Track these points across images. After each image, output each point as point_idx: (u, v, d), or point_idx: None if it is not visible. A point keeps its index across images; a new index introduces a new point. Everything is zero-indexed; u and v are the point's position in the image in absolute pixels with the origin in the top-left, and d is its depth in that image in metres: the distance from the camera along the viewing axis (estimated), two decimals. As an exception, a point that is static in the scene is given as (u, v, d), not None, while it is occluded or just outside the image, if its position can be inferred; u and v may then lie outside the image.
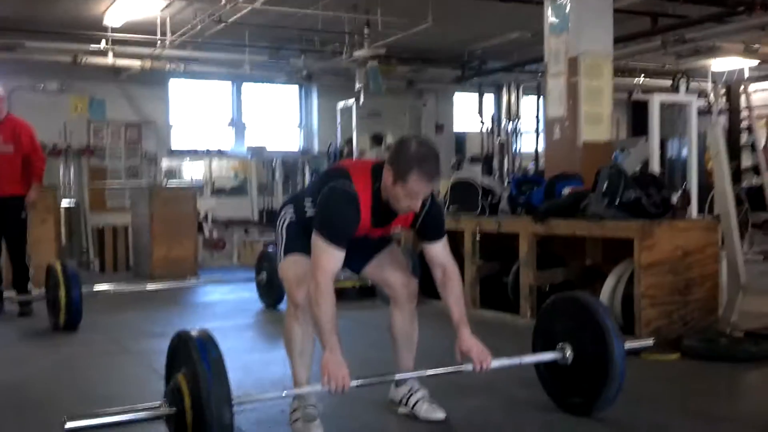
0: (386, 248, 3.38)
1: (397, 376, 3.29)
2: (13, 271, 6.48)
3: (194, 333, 2.73)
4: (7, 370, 4.56)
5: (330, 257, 2.95)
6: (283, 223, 3.25)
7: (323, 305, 2.91)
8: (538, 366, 3.49)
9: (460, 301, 3.19)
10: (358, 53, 9.62)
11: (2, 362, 4.79)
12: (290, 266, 3.18)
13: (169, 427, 2.73)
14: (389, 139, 11.71)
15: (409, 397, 3.41)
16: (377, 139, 11.25)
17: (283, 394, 3.07)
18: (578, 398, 3.35)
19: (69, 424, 2.56)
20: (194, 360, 2.61)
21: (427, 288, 3.95)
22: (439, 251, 3.21)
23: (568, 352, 3.32)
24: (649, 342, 3.93)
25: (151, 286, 7.20)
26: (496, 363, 3.17)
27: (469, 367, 3.12)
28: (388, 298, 3.41)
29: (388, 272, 3.36)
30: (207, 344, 2.67)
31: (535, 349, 3.48)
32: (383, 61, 10.37)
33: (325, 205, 3.00)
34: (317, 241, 2.96)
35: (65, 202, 10.06)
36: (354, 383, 2.94)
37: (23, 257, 6.41)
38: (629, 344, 3.43)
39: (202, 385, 2.57)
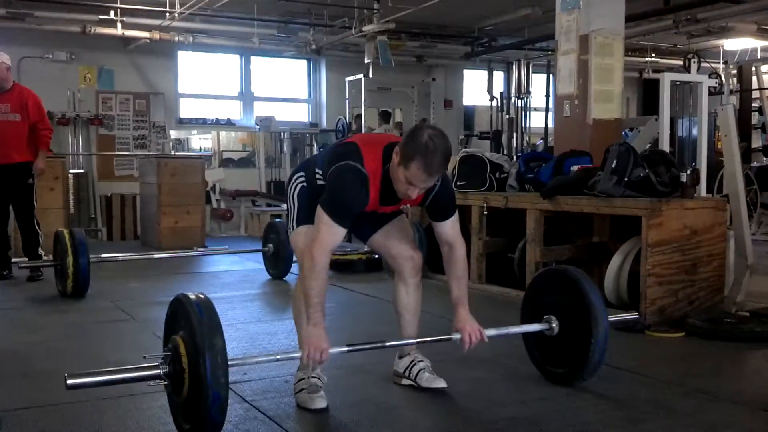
0: (394, 219, 3.38)
1: (388, 344, 3.28)
2: (22, 237, 6.58)
3: (192, 296, 2.79)
4: (15, 336, 4.61)
5: (331, 234, 2.97)
6: (295, 189, 3.24)
7: (315, 280, 2.94)
8: (526, 338, 3.59)
9: (461, 280, 3.23)
10: (368, 28, 9.57)
11: (10, 328, 4.84)
12: (302, 236, 3.18)
13: (167, 386, 2.80)
14: (398, 116, 11.70)
15: (411, 368, 3.43)
16: (385, 116, 11.24)
17: (277, 358, 3.12)
18: (562, 369, 3.45)
19: (70, 381, 2.63)
20: (192, 322, 2.67)
21: (434, 263, 3.97)
22: (447, 230, 3.21)
23: (554, 324, 3.40)
24: (635, 315, 3.94)
25: (158, 255, 7.24)
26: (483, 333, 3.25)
27: (457, 336, 3.19)
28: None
29: (394, 244, 3.36)
30: (204, 307, 2.73)
31: (524, 321, 3.57)
32: (392, 36, 10.33)
33: (334, 183, 3.00)
34: (321, 216, 2.97)
35: (73, 171, 10.08)
36: (339, 350, 3.02)
37: (32, 222, 6.52)
38: (613, 317, 3.52)
39: (198, 345, 2.62)
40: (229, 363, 2.69)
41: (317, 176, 3.15)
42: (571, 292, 3.40)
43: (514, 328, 3.50)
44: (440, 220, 3.19)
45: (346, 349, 3.08)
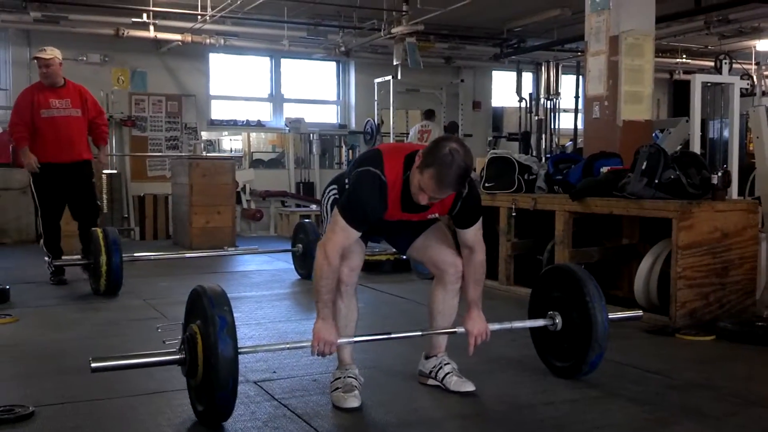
0: (432, 227, 3.40)
1: (394, 335, 3.39)
2: (82, 237, 6.34)
3: (208, 288, 2.96)
4: (49, 333, 4.69)
5: (345, 235, 3.05)
6: (328, 201, 3.33)
7: (327, 279, 3.03)
8: (534, 333, 3.73)
9: (479, 283, 3.32)
10: (396, 30, 9.59)
11: (44, 325, 4.92)
12: None
13: (183, 370, 2.99)
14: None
15: (438, 371, 3.46)
16: (429, 114, 11.30)
17: (287, 347, 3.16)
18: (566, 362, 3.57)
19: (94, 364, 2.82)
20: (206, 311, 2.85)
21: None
22: (470, 236, 3.26)
23: (558, 320, 3.53)
24: (639, 314, 3.97)
25: (189, 255, 7.31)
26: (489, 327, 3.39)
27: (462, 329, 3.31)
28: (424, 273, 3.46)
29: (435, 252, 3.38)
30: (219, 297, 2.90)
31: (532, 317, 3.70)
32: (421, 37, 10.34)
33: (352, 187, 3.08)
34: (337, 218, 3.05)
35: (107, 171, 10.21)
36: (347, 340, 3.20)
37: (95, 223, 6.30)
38: (614, 314, 3.64)
39: (211, 333, 2.80)
40: (240, 350, 2.86)
41: (346, 185, 3.21)
42: (574, 289, 3.51)
43: (518, 323, 3.62)
44: (464, 227, 3.23)
45: (354, 339, 3.25)
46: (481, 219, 3.26)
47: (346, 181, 3.22)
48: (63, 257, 6.36)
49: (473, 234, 3.25)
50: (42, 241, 6.50)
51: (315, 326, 3.05)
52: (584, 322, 3.44)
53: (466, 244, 3.28)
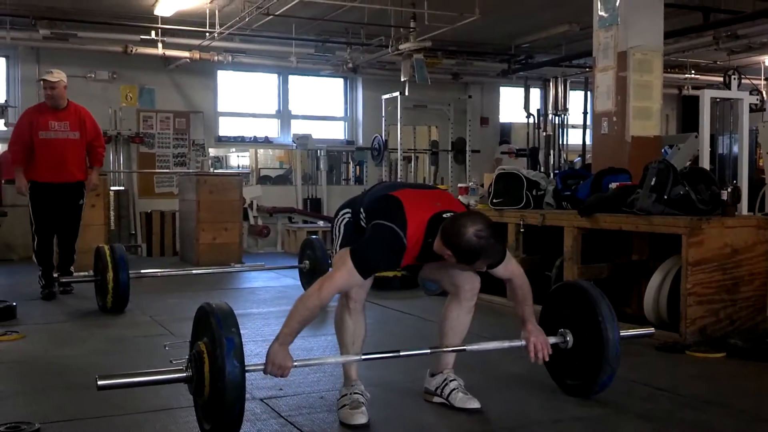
0: None
1: (402, 353, 3.33)
2: (61, 254, 6.63)
3: (215, 305, 2.93)
4: (56, 349, 4.68)
5: (348, 280, 3.00)
6: (342, 221, 3.33)
7: (308, 311, 2.97)
8: None
9: (525, 303, 3.33)
10: (404, 46, 9.61)
11: (51, 341, 4.91)
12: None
13: (190, 388, 2.96)
14: (433, 134, 11.67)
15: (443, 387, 3.43)
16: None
17: (295, 364, 3.12)
18: (577, 381, 3.54)
19: (101, 382, 2.81)
20: (213, 329, 2.82)
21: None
22: (501, 272, 3.23)
23: (569, 337, 3.49)
24: (651, 330, 3.95)
25: (196, 271, 7.31)
26: (495, 344, 3.46)
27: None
28: (432, 289, 3.45)
29: (452, 271, 3.34)
30: (226, 318, 2.87)
31: None
32: (429, 54, 10.36)
33: (371, 240, 3.03)
34: (347, 260, 2.98)
35: (114, 188, 10.25)
36: (355, 358, 3.20)
37: (74, 242, 6.61)
38: (626, 332, 3.60)
39: (218, 351, 2.77)
40: (246, 368, 2.83)
41: (361, 217, 3.22)
42: (585, 307, 3.48)
43: None
44: (491, 268, 3.16)
45: (362, 357, 3.21)
46: (507, 254, 3.21)
47: (362, 212, 3.20)
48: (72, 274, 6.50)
49: (503, 269, 3.20)
50: (34, 255, 6.64)
51: (271, 349, 2.97)
52: (596, 342, 3.39)
53: (502, 278, 3.28)
